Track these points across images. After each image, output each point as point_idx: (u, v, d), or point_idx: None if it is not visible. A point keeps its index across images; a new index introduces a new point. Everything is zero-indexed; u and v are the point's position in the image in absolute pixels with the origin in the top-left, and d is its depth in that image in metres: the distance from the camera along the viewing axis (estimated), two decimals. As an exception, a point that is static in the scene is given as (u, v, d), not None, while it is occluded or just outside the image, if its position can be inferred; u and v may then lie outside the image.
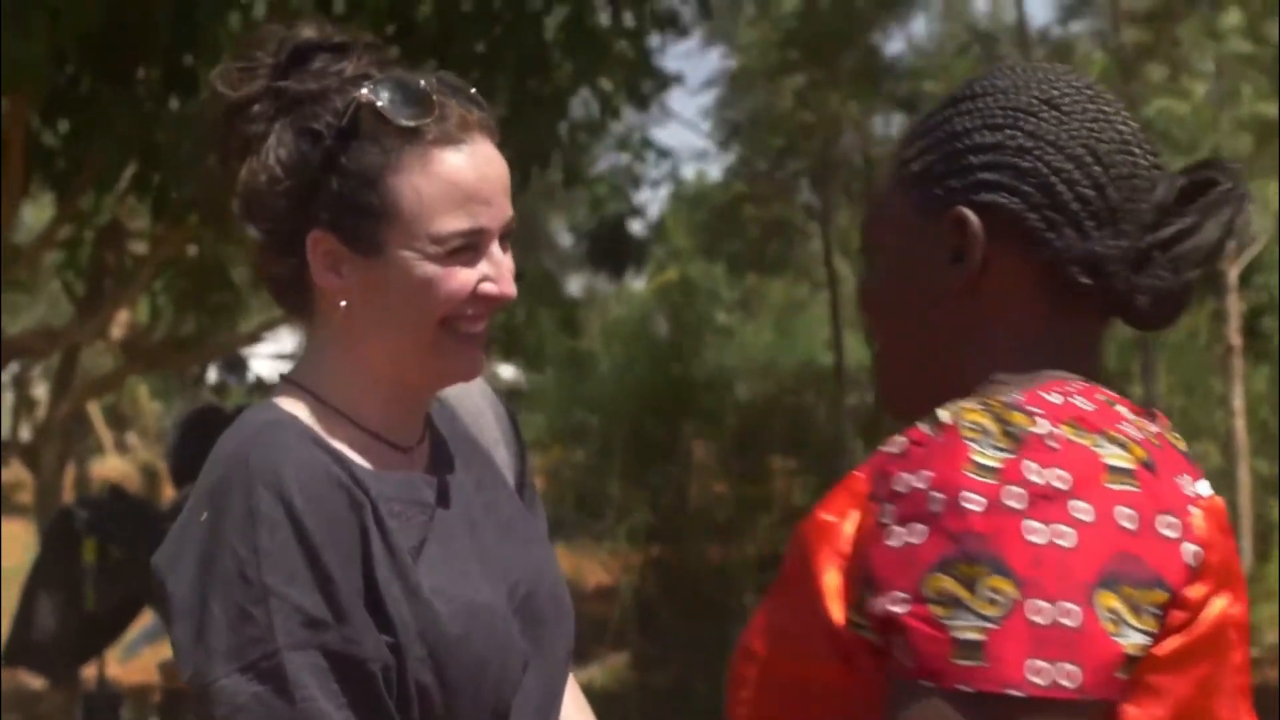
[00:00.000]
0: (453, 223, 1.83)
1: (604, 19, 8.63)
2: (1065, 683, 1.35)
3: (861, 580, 1.45)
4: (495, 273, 1.88)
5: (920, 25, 18.36)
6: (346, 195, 1.83)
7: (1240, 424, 17.59)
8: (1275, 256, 18.80)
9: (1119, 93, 17.43)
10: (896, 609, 1.41)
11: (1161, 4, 17.01)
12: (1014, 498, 1.40)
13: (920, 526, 1.41)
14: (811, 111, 16.28)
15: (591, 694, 2.29)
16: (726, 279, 25.41)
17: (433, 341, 1.87)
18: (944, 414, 1.49)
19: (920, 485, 1.43)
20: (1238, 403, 17.64)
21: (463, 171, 1.84)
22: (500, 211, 1.87)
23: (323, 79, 1.86)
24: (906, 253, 1.65)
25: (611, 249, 24.65)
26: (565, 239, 27.88)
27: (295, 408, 1.88)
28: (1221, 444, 18.32)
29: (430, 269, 1.83)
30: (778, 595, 1.55)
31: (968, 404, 1.50)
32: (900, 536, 1.42)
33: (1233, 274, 17.82)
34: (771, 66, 16.74)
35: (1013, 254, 1.61)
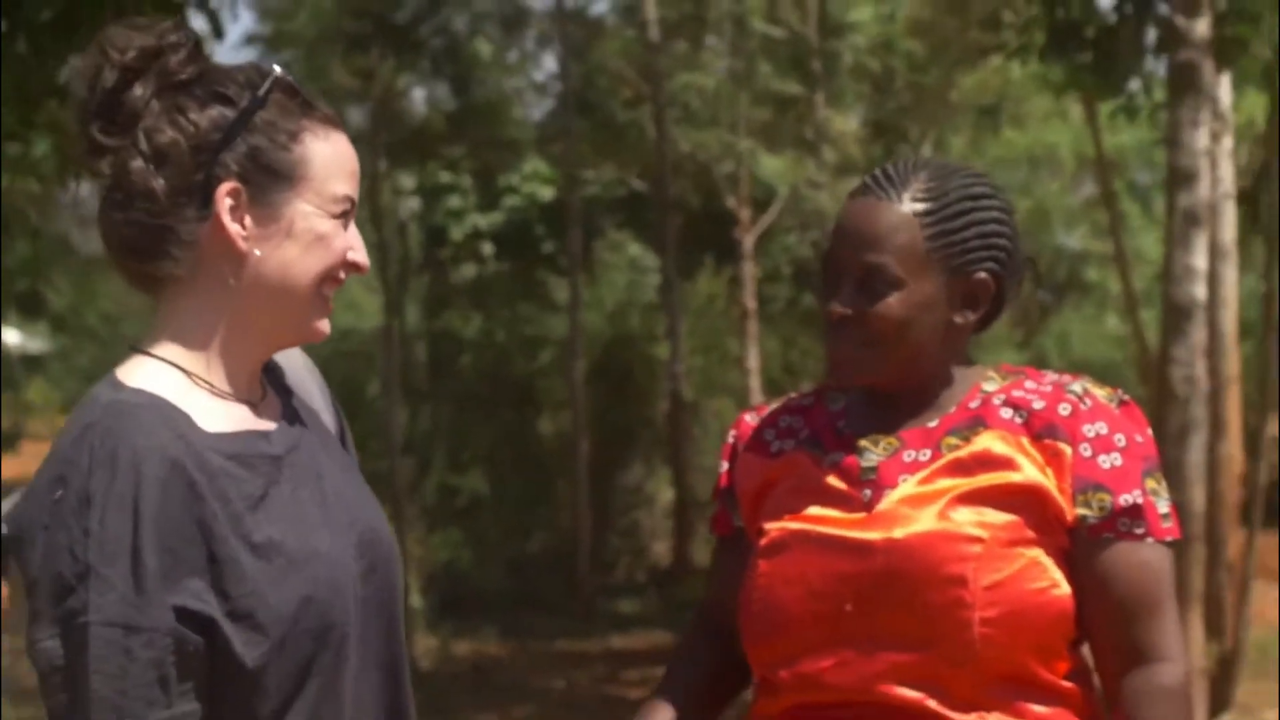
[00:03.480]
0: (344, 187, 2.12)
1: None
2: None
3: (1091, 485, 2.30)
4: (359, 245, 2.17)
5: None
6: (260, 152, 2.07)
7: (755, 382, 18.77)
8: (786, 226, 20.05)
9: (644, 68, 18.26)
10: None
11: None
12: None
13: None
14: (361, 78, 16.51)
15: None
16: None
17: (309, 298, 2.12)
18: (1086, 386, 2.37)
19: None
20: (753, 362, 18.83)
21: (348, 150, 2.16)
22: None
23: (194, 65, 2.10)
24: (926, 292, 2.35)
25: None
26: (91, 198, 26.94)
27: (145, 380, 2.04)
28: (737, 401, 19.45)
29: (326, 224, 2.10)
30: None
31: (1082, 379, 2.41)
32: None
33: (748, 242, 18.98)
34: (318, 35, 16.88)
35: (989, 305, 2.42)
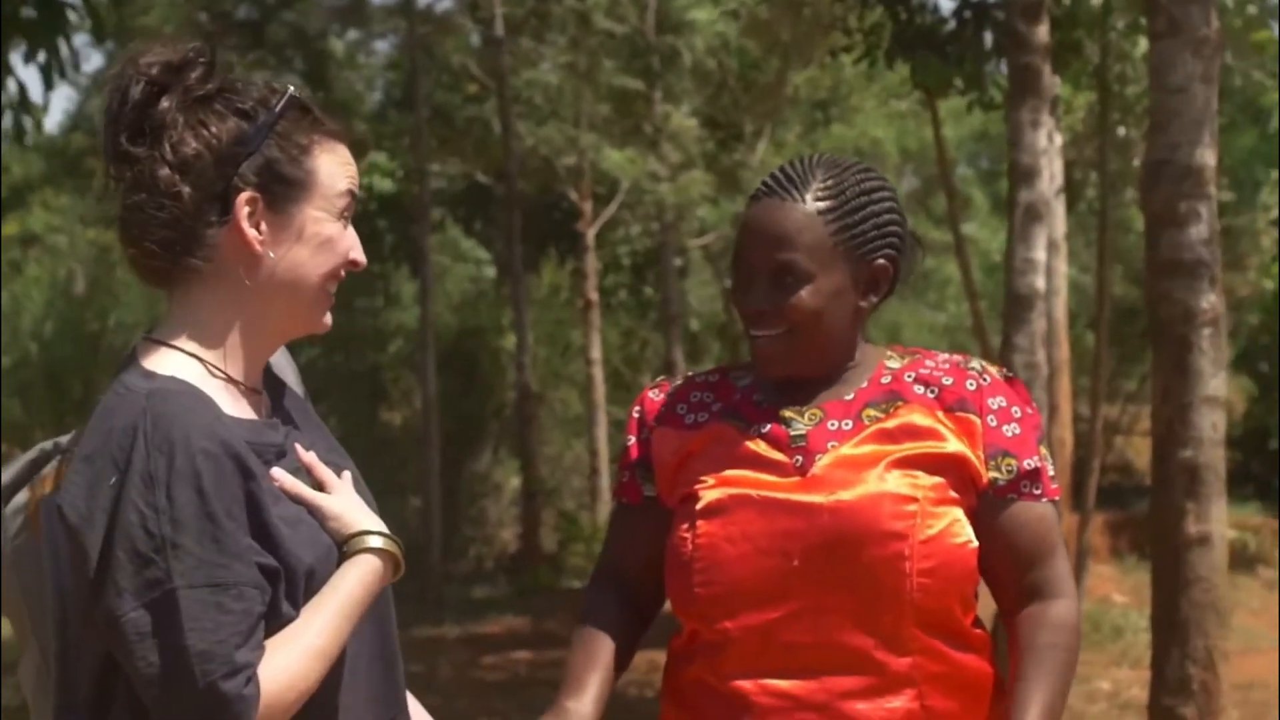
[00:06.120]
0: (346, 194, 2.33)
1: None
2: None
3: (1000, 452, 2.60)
4: (358, 244, 2.37)
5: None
6: (276, 164, 2.24)
7: (598, 372, 19.07)
8: (625, 219, 20.37)
9: (490, 67, 18.44)
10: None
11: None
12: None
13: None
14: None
15: None
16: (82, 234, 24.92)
17: (316, 294, 2.28)
18: (982, 364, 2.66)
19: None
20: (595, 353, 19.11)
21: (350, 159, 2.36)
22: None
23: (212, 80, 2.27)
24: (834, 282, 2.60)
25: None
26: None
27: (173, 369, 2.20)
28: (580, 391, 19.75)
29: (332, 227, 2.29)
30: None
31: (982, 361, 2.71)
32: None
33: (590, 235, 19.27)
34: (173, 29, 16.85)
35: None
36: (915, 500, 2.54)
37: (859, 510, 2.53)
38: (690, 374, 2.82)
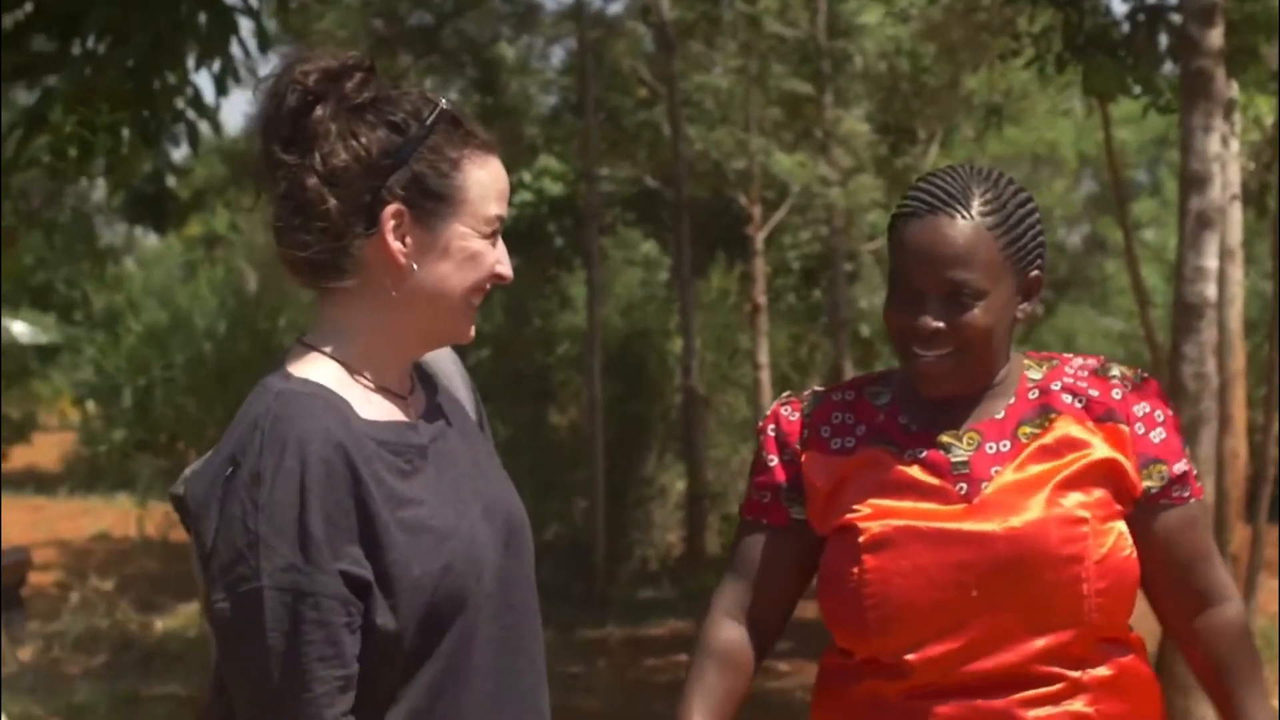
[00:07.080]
0: (496, 209, 2.29)
1: None
2: None
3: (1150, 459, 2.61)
4: (505, 258, 2.36)
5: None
6: (424, 178, 2.24)
7: (765, 376, 19.03)
8: (795, 223, 20.32)
9: (660, 71, 18.51)
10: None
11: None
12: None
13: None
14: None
15: None
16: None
17: (459, 308, 2.29)
18: (1120, 370, 2.67)
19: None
20: (762, 358, 19.09)
21: (501, 174, 2.33)
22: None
23: (369, 89, 2.27)
24: (1003, 297, 2.59)
25: (153, 202, 24.26)
26: (97, 191, 27.22)
27: (310, 372, 2.24)
28: (747, 395, 19.72)
29: (479, 243, 2.27)
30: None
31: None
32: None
33: (758, 240, 19.25)
34: (348, 36, 17.15)
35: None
36: (1086, 521, 2.54)
37: (1033, 536, 2.53)
38: (819, 389, 2.80)
